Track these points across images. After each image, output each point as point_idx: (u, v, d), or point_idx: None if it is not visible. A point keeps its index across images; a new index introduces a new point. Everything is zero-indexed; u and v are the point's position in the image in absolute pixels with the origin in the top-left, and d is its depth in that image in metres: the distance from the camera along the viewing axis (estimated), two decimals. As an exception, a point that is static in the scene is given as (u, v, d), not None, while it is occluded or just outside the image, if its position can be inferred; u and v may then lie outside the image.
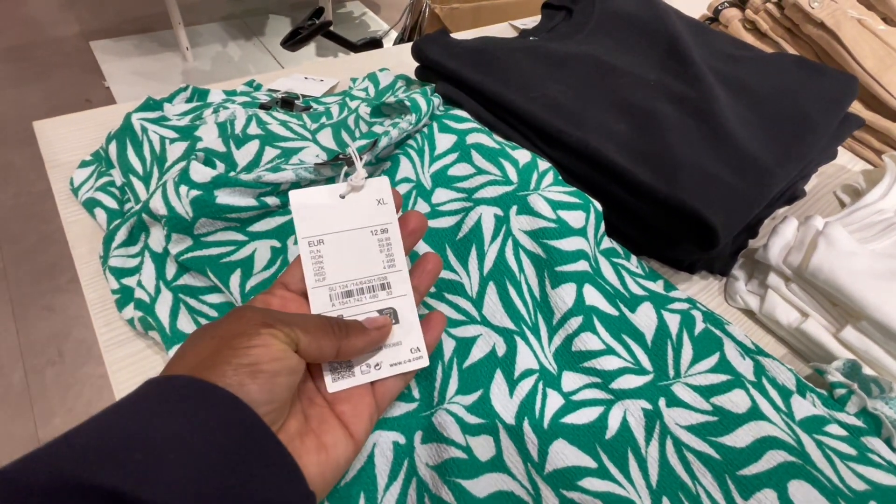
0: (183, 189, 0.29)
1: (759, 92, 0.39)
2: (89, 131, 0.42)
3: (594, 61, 0.42)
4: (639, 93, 0.39)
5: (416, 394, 0.27)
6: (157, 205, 0.29)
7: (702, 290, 0.39)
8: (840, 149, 0.57)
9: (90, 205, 0.35)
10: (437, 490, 0.23)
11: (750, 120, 0.37)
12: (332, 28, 1.37)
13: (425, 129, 0.37)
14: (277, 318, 0.20)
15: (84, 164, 0.37)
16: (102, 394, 1.02)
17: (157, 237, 0.31)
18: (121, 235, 0.31)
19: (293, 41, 1.24)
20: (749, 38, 0.63)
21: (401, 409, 0.26)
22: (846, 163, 0.55)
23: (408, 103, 0.35)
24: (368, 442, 0.24)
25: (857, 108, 0.56)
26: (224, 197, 0.29)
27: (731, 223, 0.31)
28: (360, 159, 0.27)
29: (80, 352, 1.07)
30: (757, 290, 0.38)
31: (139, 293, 0.29)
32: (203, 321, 0.29)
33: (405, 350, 0.24)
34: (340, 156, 0.32)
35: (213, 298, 0.30)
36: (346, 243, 0.25)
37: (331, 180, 0.33)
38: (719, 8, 0.66)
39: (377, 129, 0.35)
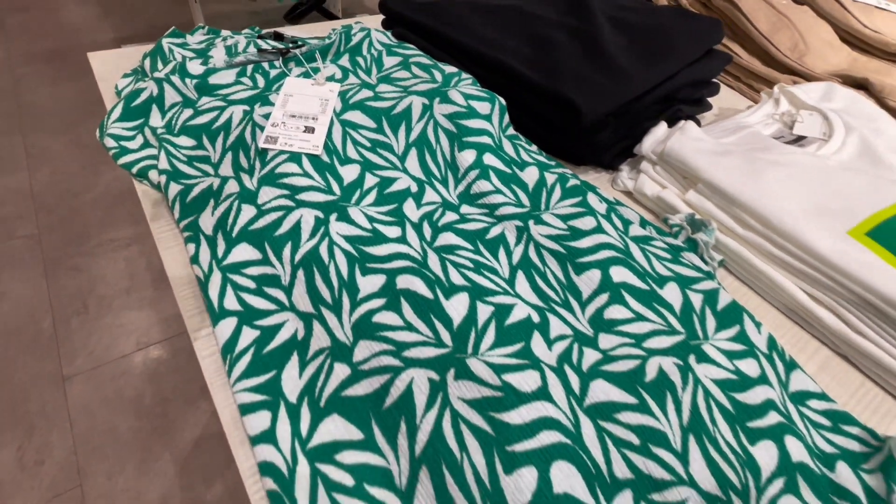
0: (188, 81, 0.43)
1: (638, 28, 0.50)
2: (133, 62, 0.55)
3: (516, 9, 0.54)
4: (544, 28, 0.50)
5: (447, 341, 0.30)
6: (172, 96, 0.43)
7: (594, 179, 0.50)
8: (738, 96, 0.68)
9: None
10: (472, 419, 0.26)
11: (625, 45, 0.48)
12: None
13: (375, 52, 0.49)
14: None
15: (126, 76, 0.50)
16: (119, 340, 1.14)
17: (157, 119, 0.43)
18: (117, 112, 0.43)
19: (294, 15, 1.51)
20: (673, 13, 0.75)
21: (434, 352, 0.29)
22: (742, 108, 0.66)
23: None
24: (405, 377, 0.27)
25: (755, 64, 0.67)
26: (214, 79, 0.42)
27: (594, 106, 0.42)
28: (289, 51, 0.46)
29: (102, 305, 1.20)
30: (634, 176, 0.48)
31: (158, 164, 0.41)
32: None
33: (310, 144, 0.40)
34: (281, 49, 0.47)
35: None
36: (303, 100, 0.42)
37: (271, 64, 0.48)
38: (650, -11, 0.78)
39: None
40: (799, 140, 0.48)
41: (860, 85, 0.61)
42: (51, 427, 0.99)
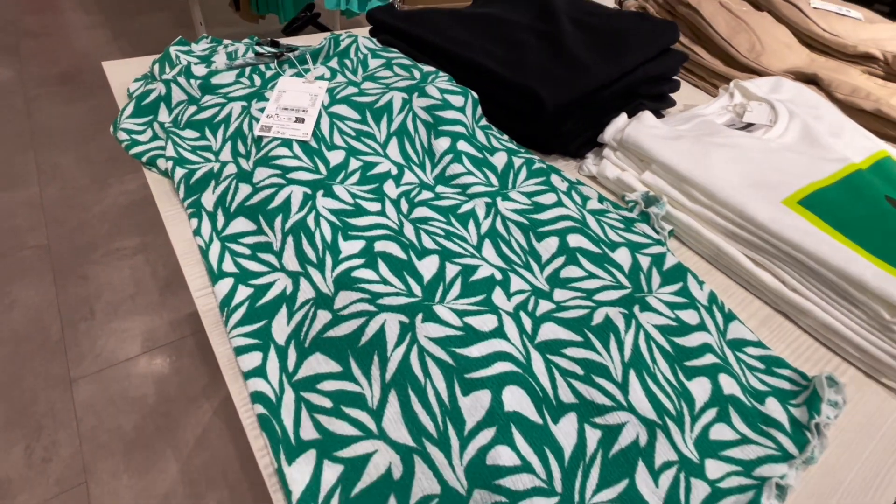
0: (193, 82, 0.48)
1: (599, 29, 0.55)
2: (144, 69, 0.60)
3: (490, 16, 0.59)
4: (514, 31, 0.55)
5: (418, 293, 0.34)
6: (178, 95, 0.48)
7: (561, 166, 0.54)
8: (702, 94, 0.72)
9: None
10: (436, 352, 0.29)
11: (586, 43, 0.53)
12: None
13: (361, 56, 0.54)
14: None
15: (137, 80, 0.55)
16: (125, 344, 1.18)
17: (165, 115, 0.48)
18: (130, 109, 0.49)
19: (291, 28, 1.62)
20: (642, 20, 0.80)
21: (405, 300, 0.32)
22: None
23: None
24: (379, 319, 0.31)
25: (717, 65, 0.72)
26: (216, 80, 0.47)
27: (555, 95, 0.47)
28: (283, 55, 0.51)
29: (108, 311, 1.24)
30: (598, 163, 0.53)
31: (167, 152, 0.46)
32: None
33: (300, 132, 0.43)
34: (276, 53, 0.51)
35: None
36: (295, 95, 0.46)
37: (268, 66, 0.53)
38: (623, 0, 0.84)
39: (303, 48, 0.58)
40: (748, 127, 0.53)
41: (811, 80, 0.66)
42: (58, 427, 1.02)
